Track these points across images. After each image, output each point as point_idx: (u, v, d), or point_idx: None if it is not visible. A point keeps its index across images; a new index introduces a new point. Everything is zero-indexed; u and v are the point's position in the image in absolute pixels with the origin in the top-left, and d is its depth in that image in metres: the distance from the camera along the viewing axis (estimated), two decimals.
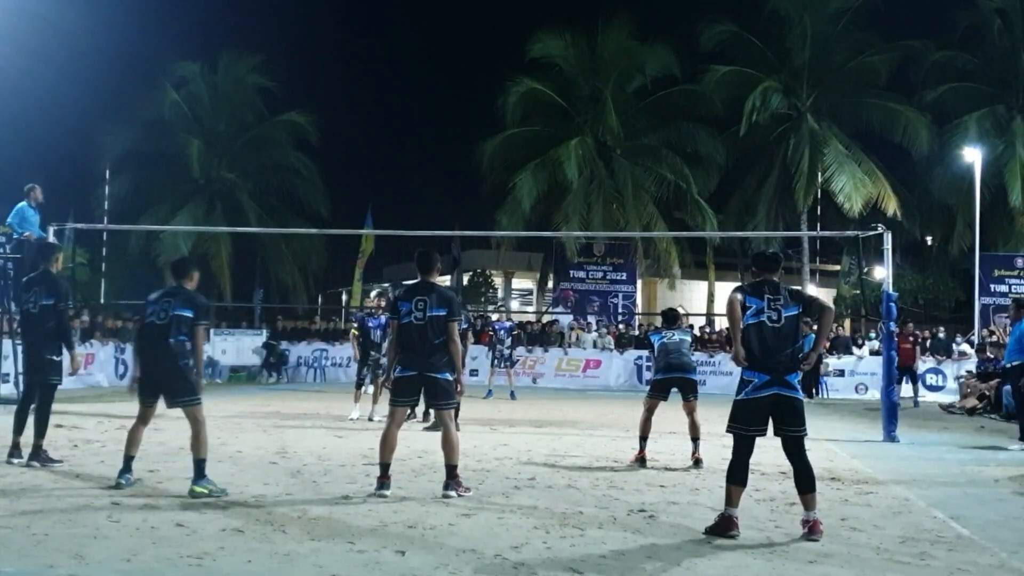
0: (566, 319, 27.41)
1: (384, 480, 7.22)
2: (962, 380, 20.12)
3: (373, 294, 29.82)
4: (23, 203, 14.72)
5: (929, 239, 33.34)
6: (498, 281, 42.22)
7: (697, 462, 9.54)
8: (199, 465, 7.19)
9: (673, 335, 9.94)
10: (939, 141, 29.55)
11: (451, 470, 7.30)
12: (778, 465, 9.42)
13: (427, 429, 11.72)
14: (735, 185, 32.32)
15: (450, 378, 7.30)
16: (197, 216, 30.87)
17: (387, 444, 7.27)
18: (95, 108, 37.73)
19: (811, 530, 6.03)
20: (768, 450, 10.97)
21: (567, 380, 23.58)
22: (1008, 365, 12.63)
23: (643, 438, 9.73)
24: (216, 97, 32.78)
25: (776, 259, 6.66)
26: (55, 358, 8.44)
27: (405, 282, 7.86)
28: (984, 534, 6.28)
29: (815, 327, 7.04)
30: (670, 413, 16.29)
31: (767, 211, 30.53)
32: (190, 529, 5.88)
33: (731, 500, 6.17)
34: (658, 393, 10.02)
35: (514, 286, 43.91)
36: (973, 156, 26.47)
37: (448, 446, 7.32)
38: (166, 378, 7.36)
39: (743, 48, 30.54)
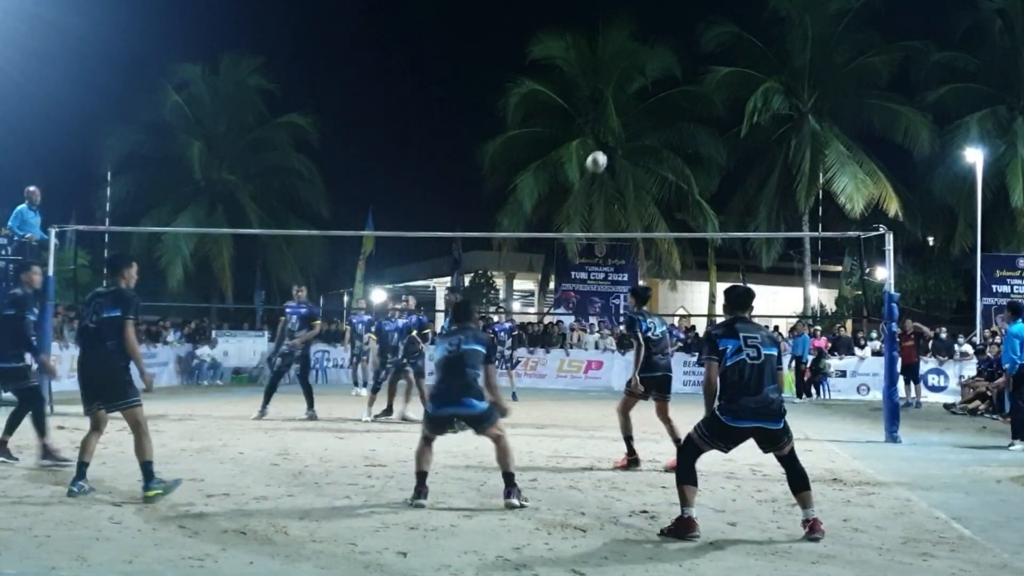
0: (568, 320, 27.41)
1: (421, 489, 7.02)
2: (964, 381, 20.14)
3: (382, 297, 29.70)
4: (22, 206, 14.75)
5: (931, 240, 33.31)
6: (499, 282, 42.19)
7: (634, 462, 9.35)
8: (146, 468, 7.01)
9: (655, 326, 9.42)
10: (940, 142, 29.51)
11: (509, 477, 7.11)
12: (778, 466, 9.42)
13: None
14: (736, 186, 32.31)
15: (486, 406, 7.19)
16: (198, 218, 30.87)
17: (423, 455, 7.19)
18: (96, 110, 37.91)
19: (812, 529, 6.04)
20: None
21: (568, 381, 23.57)
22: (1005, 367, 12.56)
23: (629, 438, 9.43)
24: (217, 99, 32.79)
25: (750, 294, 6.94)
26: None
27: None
28: (986, 535, 6.28)
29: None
30: (672, 414, 16.32)
31: (768, 212, 30.52)
32: (192, 531, 5.88)
33: (687, 501, 6.10)
34: (641, 392, 9.45)
35: (515, 287, 43.90)
36: (974, 156, 26.46)
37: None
38: (101, 382, 7.24)
39: (744, 49, 30.53)
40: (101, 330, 7.17)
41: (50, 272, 14.47)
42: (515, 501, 6.91)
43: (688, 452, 6.42)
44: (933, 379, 22.02)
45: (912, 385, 19.82)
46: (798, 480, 6.26)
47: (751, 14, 31.18)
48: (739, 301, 6.77)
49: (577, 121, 30.46)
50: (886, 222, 18.86)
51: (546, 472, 8.83)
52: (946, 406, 18.60)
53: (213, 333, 24.37)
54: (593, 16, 31.15)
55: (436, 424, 7.25)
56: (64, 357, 18.88)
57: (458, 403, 7.09)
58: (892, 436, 12.47)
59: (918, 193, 30.78)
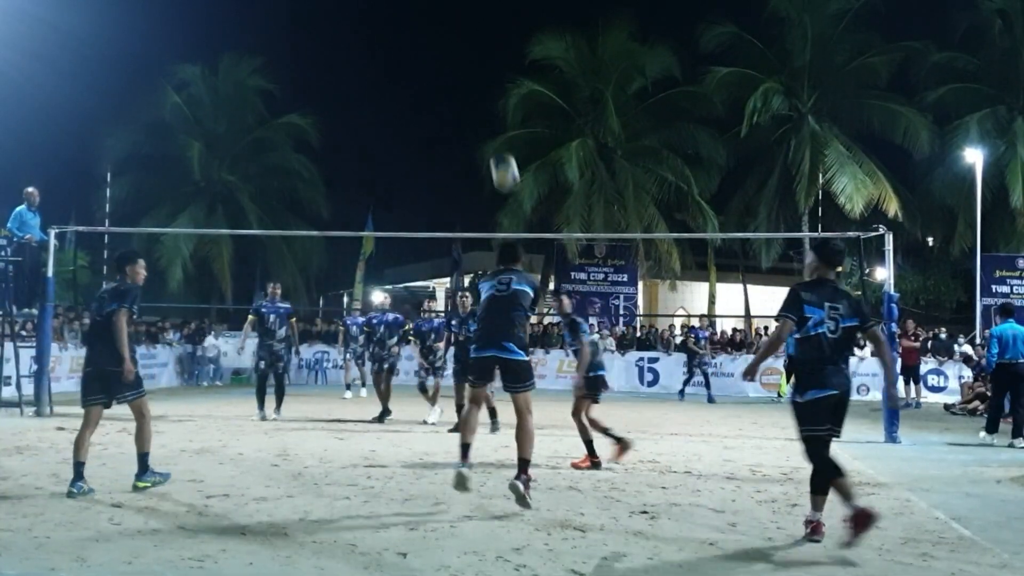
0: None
1: (465, 459, 6.88)
2: (963, 380, 20.15)
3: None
4: (21, 207, 14.75)
5: (930, 240, 33.30)
6: None
7: (596, 464, 9.15)
8: (143, 459, 7.30)
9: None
10: (940, 142, 29.51)
11: (523, 464, 6.93)
12: (779, 467, 9.44)
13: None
14: (736, 186, 32.28)
15: (527, 358, 7.06)
16: (198, 218, 30.89)
17: (468, 425, 7.04)
18: (96, 111, 37.89)
19: (814, 531, 6.02)
20: (769, 451, 11.01)
21: (568, 382, 23.46)
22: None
23: (589, 441, 9.21)
24: (217, 99, 32.81)
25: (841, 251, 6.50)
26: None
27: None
28: (986, 535, 6.28)
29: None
30: (672, 414, 16.35)
31: (768, 212, 30.51)
32: (191, 531, 5.88)
33: (848, 495, 5.76)
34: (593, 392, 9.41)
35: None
36: (974, 157, 26.45)
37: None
38: (109, 375, 7.34)
39: (744, 49, 30.53)
40: (106, 324, 7.28)
41: (49, 273, 14.49)
42: (520, 486, 6.68)
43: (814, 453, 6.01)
44: (933, 379, 22.02)
45: (912, 385, 19.83)
46: (822, 482, 6.12)
47: (751, 14, 31.25)
48: (833, 258, 6.42)
49: (577, 122, 30.46)
50: (886, 222, 18.85)
51: (546, 472, 8.82)
52: (946, 406, 18.60)
53: (212, 334, 24.31)
54: (593, 16, 31.18)
55: (478, 370, 7.02)
56: (64, 358, 18.91)
57: (499, 347, 6.87)
58: (892, 436, 12.47)
59: (918, 193, 30.78)
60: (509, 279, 7.03)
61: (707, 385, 20.35)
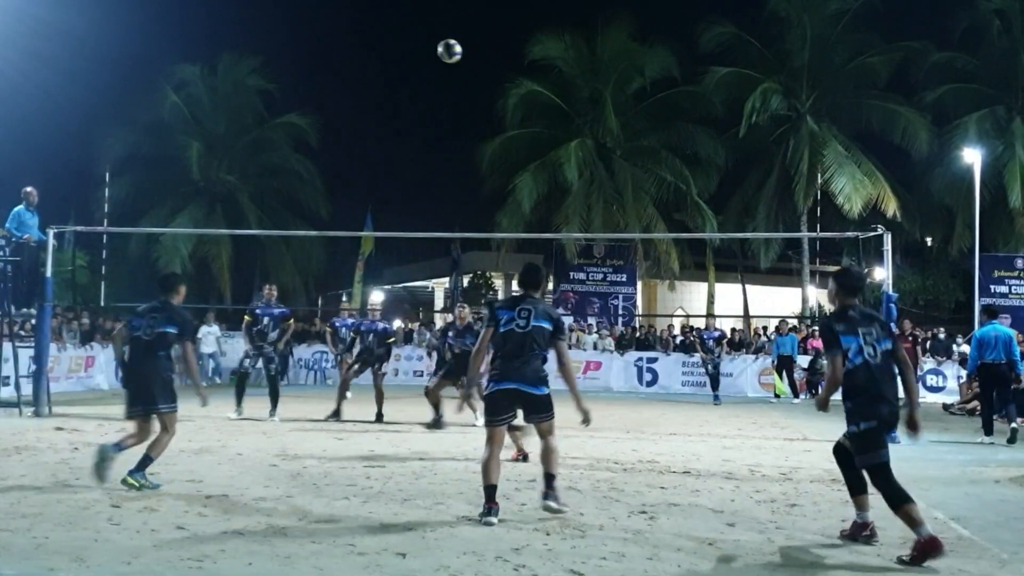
0: (567, 320, 27.40)
1: (491, 505, 6.46)
2: (962, 380, 20.16)
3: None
4: (20, 207, 14.73)
5: (929, 240, 33.30)
6: (498, 283, 42.22)
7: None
8: (145, 460, 7.56)
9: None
10: (939, 142, 29.52)
11: (551, 479, 6.77)
12: (778, 467, 9.44)
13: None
14: (735, 186, 32.29)
15: (548, 392, 6.82)
16: (197, 218, 30.85)
17: (491, 468, 6.58)
18: (95, 110, 37.84)
19: (872, 532, 6.01)
20: (768, 452, 11.01)
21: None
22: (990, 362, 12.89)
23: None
24: (216, 99, 32.77)
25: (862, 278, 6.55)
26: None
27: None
28: (984, 535, 6.28)
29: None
30: (671, 414, 16.35)
31: (767, 212, 30.50)
32: (190, 532, 5.88)
33: (916, 521, 5.62)
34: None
35: (514, 288, 43.92)
36: (973, 157, 26.44)
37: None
38: (150, 388, 7.74)
39: (743, 49, 30.52)
40: (155, 343, 7.79)
41: (48, 273, 14.48)
42: (553, 504, 6.60)
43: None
44: (931, 379, 22.03)
45: None
46: (858, 481, 6.19)
47: (750, 14, 31.24)
48: (855, 285, 6.35)
49: (576, 122, 30.45)
50: (884, 222, 18.86)
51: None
52: (944, 406, 18.61)
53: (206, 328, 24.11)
54: (592, 16, 31.18)
55: (495, 406, 6.71)
56: (62, 359, 18.88)
57: (519, 382, 6.65)
58: (890, 437, 12.45)
59: (916, 193, 30.78)
60: (529, 312, 6.71)
61: (715, 386, 19.95)
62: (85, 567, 5.05)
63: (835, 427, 14.42)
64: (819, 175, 29.35)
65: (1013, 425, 12.46)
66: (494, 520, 6.35)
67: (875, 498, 5.97)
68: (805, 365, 21.96)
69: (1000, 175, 28.78)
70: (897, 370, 6.07)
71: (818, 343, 22.73)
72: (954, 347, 22.87)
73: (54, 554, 5.27)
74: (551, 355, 6.86)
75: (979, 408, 17.15)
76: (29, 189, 14.83)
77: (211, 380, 23.03)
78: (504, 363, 6.69)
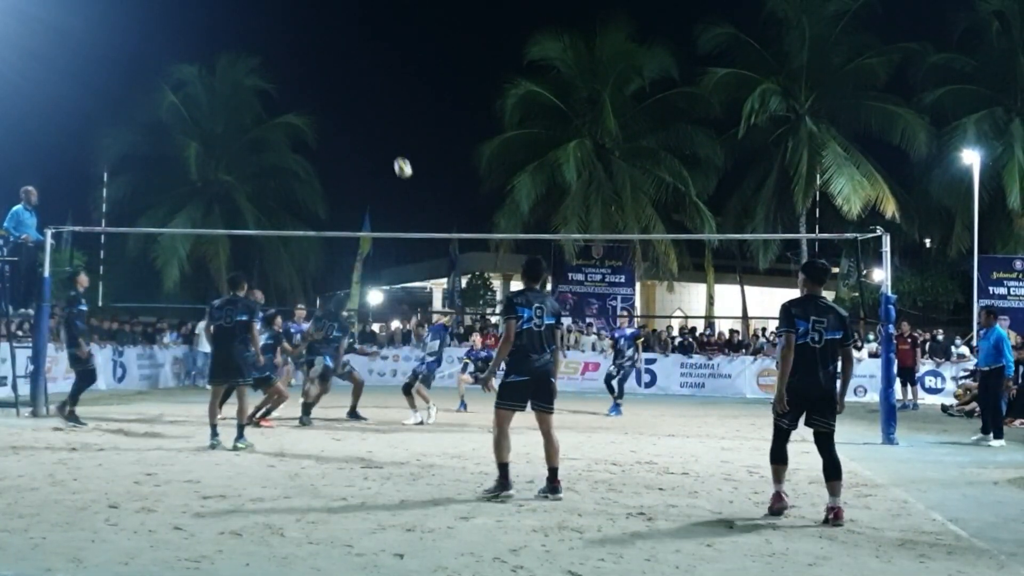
0: (566, 321, 27.41)
1: (505, 481, 7.42)
2: (960, 382, 20.15)
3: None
4: (18, 206, 14.69)
5: (928, 241, 33.32)
6: (496, 284, 42.21)
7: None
8: (240, 428, 10.13)
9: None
10: (937, 143, 29.53)
11: (555, 472, 7.53)
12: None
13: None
14: (734, 187, 32.31)
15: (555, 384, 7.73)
16: (195, 218, 30.84)
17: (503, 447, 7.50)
18: (93, 110, 37.82)
19: (836, 516, 6.61)
20: (767, 453, 10.97)
21: (565, 383, 23.52)
22: (986, 368, 12.83)
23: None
24: (214, 99, 32.76)
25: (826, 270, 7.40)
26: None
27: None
28: (983, 536, 6.28)
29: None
30: (670, 416, 16.34)
31: (766, 213, 30.51)
32: (188, 532, 5.87)
33: (778, 478, 6.95)
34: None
35: (513, 289, 43.89)
36: (971, 158, 26.46)
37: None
38: (233, 365, 10.35)
39: (741, 50, 30.53)
40: (235, 329, 10.37)
41: (46, 273, 14.46)
42: (560, 496, 7.35)
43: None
44: (930, 381, 22.03)
45: (909, 387, 19.84)
46: (833, 469, 6.92)
47: (749, 15, 31.25)
48: (820, 277, 7.17)
49: (574, 122, 30.45)
50: (883, 223, 18.85)
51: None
52: (943, 408, 18.60)
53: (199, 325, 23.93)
54: (591, 17, 31.21)
55: (520, 393, 7.44)
56: (60, 359, 18.83)
57: (541, 372, 7.43)
58: (889, 438, 12.48)
59: (915, 195, 30.80)
60: (541, 310, 7.46)
61: (619, 392, 16.77)
62: (82, 567, 5.04)
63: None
64: (818, 176, 29.35)
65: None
66: (512, 493, 7.29)
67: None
68: None
69: (999, 176, 28.80)
70: (840, 358, 7.00)
71: None
72: (952, 348, 22.87)
73: (51, 554, 5.26)
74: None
75: (977, 409, 17.22)
76: (29, 188, 14.79)
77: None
78: (521, 356, 7.38)
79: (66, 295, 13.55)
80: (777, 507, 6.87)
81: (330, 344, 14.03)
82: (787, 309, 6.92)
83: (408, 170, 13.49)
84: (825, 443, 6.96)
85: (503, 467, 7.39)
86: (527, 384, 7.41)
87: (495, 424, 7.51)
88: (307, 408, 13.59)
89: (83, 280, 13.74)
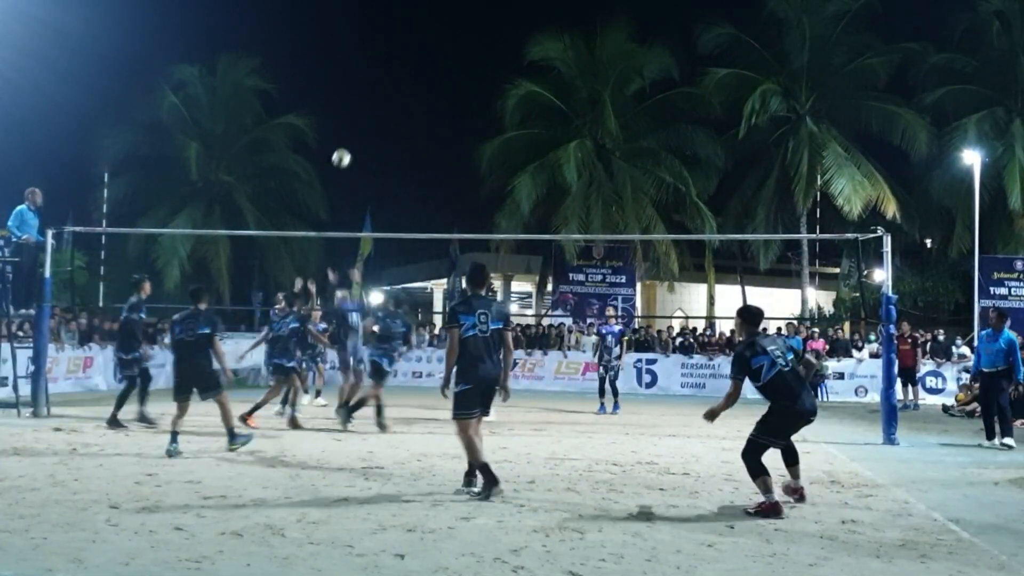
0: (566, 322, 27.42)
1: (478, 478, 7.56)
2: (961, 382, 20.14)
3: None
4: (23, 206, 14.71)
5: (928, 242, 33.30)
6: (497, 284, 42.19)
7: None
8: (230, 432, 9.99)
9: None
10: (938, 143, 29.51)
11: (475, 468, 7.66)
12: (777, 469, 9.42)
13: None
14: (734, 188, 32.28)
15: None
16: (195, 219, 30.85)
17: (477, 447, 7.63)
18: (94, 111, 37.82)
19: (801, 496, 7.41)
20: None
21: (566, 383, 23.56)
22: (991, 370, 12.64)
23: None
24: (214, 100, 32.78)
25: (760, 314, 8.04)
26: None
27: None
28: (984, 537, 6.28)
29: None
30: (670, 416, 16.33)
31: (766, 214, 30.50)
32: (188, 533, 5.87)
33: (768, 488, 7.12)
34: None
35: (513, 289, 43.90)
36: (972, 158, 26.43)
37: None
38: (196, 378, 10.03)
39: (742, 50, 30.51)
40: (198, 342, 10.03)
41: (47, 274, 14.46)
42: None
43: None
44: (931, 381, 22.02)
45: (910, 387, 19.83)
46: (793, 455, 7.73)
47: (749, 16, 31.19)
48: (754, 319, 7.89)
49: (575, 123, 30.45)
50: (884, 224, 18.83)
51: (544, 474, 8.81)
52: (944, 408, 18.59)
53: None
54: (591, 17, 31.16)
55: (470, 401, 7.50)
56: (61, 359, 18.86)
57: (492, 379, 7.56)
58: (890, 438, 12.46)
59: (916, 195, 30.77)
60: (486, 315, 7.50)
61: (613, 392, 16.71)
62: (83, 568, 5.04)
63: (835, 429, 14.45)
64: (818, 176, 29.34)
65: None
66: (502, 488, 7.39)
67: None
68: None
69: (999, 177, 28.78)
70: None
71: (818, 344, 22.77)
72: (953, 349, 22.86)
73: (52, 555, 5.26)
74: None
75: (978, 409, 17.20)
76: (34, 189, 14.82)
77: None
78: (468, 363, 7.43)
79: (128, 301, 13.70)
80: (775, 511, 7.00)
81: (392, 341, 13.16)
82: (741, 354, 7.56)
83: (347, 160, 13.27)
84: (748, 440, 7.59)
85: (483, 467, 7.47)
86: (476, 391, 7.50)
87: (459, 432, 7.58)
88: (352, 408, 13.08)
89: (146, 288, 13.90)
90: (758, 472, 7.20)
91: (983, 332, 13.71)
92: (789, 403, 7.35)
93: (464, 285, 8.00)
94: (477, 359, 7.40)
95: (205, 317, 10.28)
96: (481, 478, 7.48)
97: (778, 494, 7.15)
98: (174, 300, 30.11)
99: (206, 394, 10.02)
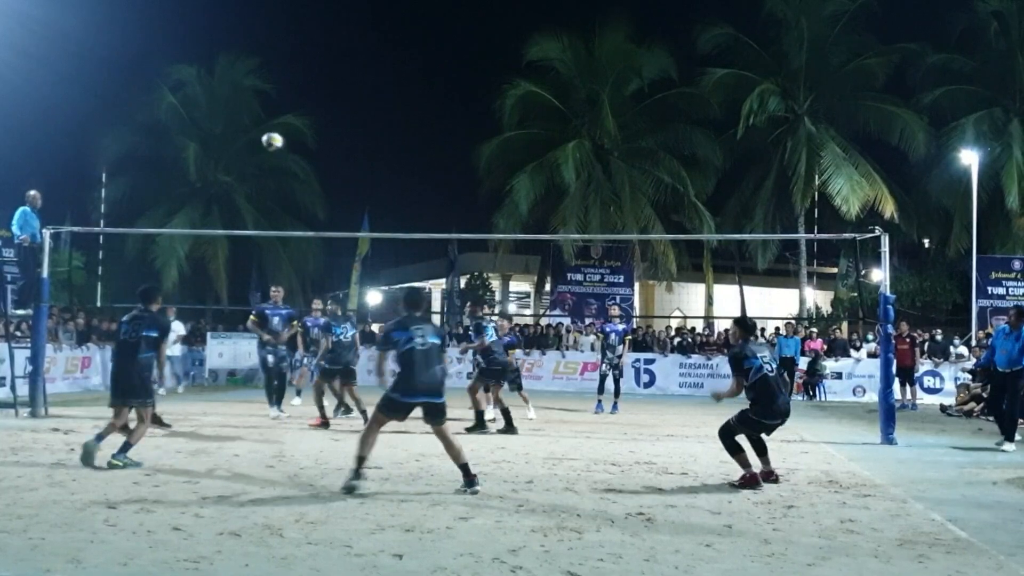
0: (564, 321, 27.43)
1: (360, 471, 7.59)
2: (960, 382, 20.14)
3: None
4: (25, 207, 14.80)
5: (926, 241, 33.36)
6: (495, 284, 42.23)
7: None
8: (127, 445, 8.75)
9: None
10: (936, 143, 29.58)
11: (466, 467, 7.73)
12: (776, 468, 9.43)
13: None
14: (732, 188, 32.33)
15: (445, 400, 7.89)
16: (194, 219, 30.83)
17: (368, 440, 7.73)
18: (92, 111, 37.74)
19: (776, 478, 8.46)
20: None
21: (565, 383, 23.57)
22: (1008, 370, 12.50)
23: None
24: (213, 100, 32.77)
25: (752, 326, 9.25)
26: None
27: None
28: (982, 536, 6.28)
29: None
30: (669, 416, 16.34)
31: (764, 214, 30.55)
32: (187, 533, 5.87)
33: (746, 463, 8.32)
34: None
35: (512, 289, 43.95)
36: (970, 159, 26.48)
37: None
38: (131, 384, 9.02)
39: (740, 51, 30.57)
40: (139, 344, 9.06)
41: (44, 274, 14.47)
42: (478, 488, 7.59)
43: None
44: (929, 381, 22.03)
45: (908, 387, 19.84)
46: (764, 447, 8.70)
47: (747, 16, 31.30)
48: (750, 329, 9.09)
49: (573, 123, 30.48)
50: (882, 224, 18.86)
51: (542, 474, 8.81)
52: (942, 408, 18.60)
53: (208, 335, 24.12)
54: (590, 17, 31.31)
55: (399, 410, 7.71)
56: (59, 359, 18.86)
57: (428, 394, 7.69)
58: (888, 438, 12.47)
59: (914, 195, 30.83)
60: (423, 331, 7.75)
61: (615, 391, 16.96)
62: (81, 568, 5.04)
63: (833, 429, 14.46)
64: (817, 176, 29.40)
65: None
66: (358, 484, 7.43)
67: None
68: (804, 366, 21.96)
69: (997, 177, 28.85)
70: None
71: (817, 344, 22.79)
72: (951, 348, 22.88)
73: (50, 555, 5.26)
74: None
75: (976, 409, 17.22)
76: (33, 193, 14.90)
77: (210, 383, 22.81)
78: (407, 375, 7.63)
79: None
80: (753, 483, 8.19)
81: (342, 347, 13.60)
82: (736, 356, 8.57)
83: (278, 143, 13.38)
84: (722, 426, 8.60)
85: (360, 460, 7.54)
86: (411, 407, 7.69)
87: (369, 421, 7.99)
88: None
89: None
90: (735, 450, 8.39)
91: (999, 328, 13.43)
92: (768, 402, 8.39)
93: (401, 307, 8.04)
94: (415, 371, 7.61)
95: (152, 319, 9.33)
96: (353, 465, 7.56)
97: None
98: (173, 300, 30.13)
99: (131, 401, 9.05)
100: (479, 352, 13.18)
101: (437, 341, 7.81)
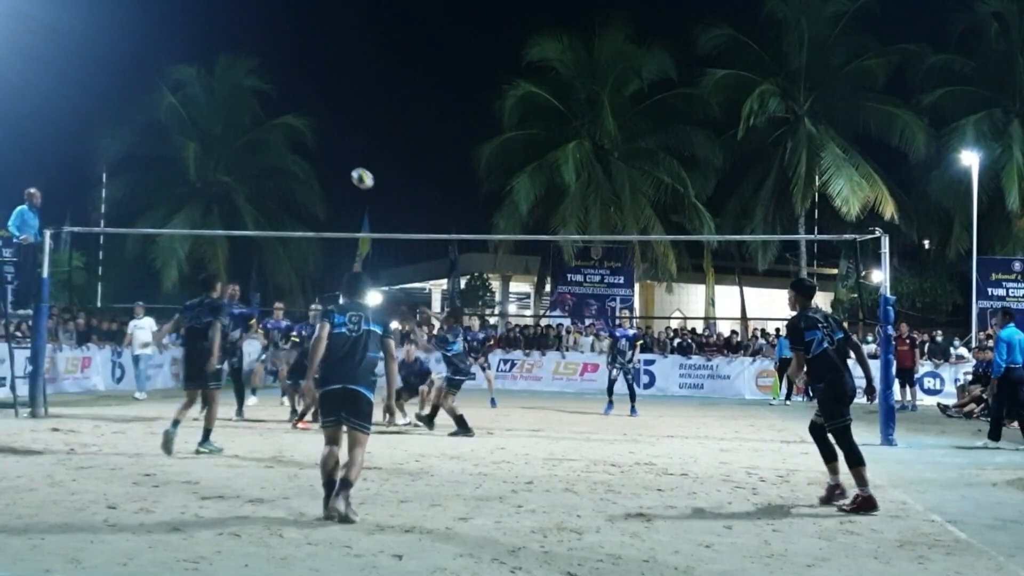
0: (564, 322, 27.42)
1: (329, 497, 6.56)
2: (960, 383, 20.14)
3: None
4: (23, 206, 14.76)
5: (926, 243, 33.35)
6: (495, 285, 42.21)
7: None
8: (207, 432, 9.73)
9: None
10: (936, 144, 29.57)
11: (347, 484, 6.53)
12: (775, 469, 9.44)
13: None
14: (732, 188, 32.31)
15: (372, 397, 6.85)
16: (194, 219, 30.84)
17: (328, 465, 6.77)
18: (92, 111, 37.73)
19: (843, 492, 7.37)
20: (765, 454, 11.00)
21: (564, 384, 23.57)
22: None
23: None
24: (213, 100, 32.78)
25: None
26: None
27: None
28: (982, 537, 6.28)
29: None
30: (669, 417, 16.34)
31: (764, 214, 30.54)
32: (186, 533, 5.86)
33: (862, 480, 7.25)
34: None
35: (511, 289, 43.90)
36: (970, 159, 26.48)
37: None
38: (201, 368, 9.78)
39: (740, 51, 30.57)
40: (206, 330, 9.76)
41: (44, 274, 14.46)
42: (343, 509, 6.37)
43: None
44: (929, 382, 22.02)
45: (907, 388, 19.83)
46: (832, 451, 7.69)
47: (747, 17, 31.27)
48: (808, 292, 8.05)
49: (573, 123, 30.48)
50: (882, 225, 18.85)
51: (542, 474, 8.81)
52: (942, 409, 18.58)
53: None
54: (590, 18, 31.31)
55: (329, 405, 6.81)
56: (59, 359, 18.85)
57: (348, 380, 6.74)
58: (888, 439, 12.46)
59: (914, 196, 30.83)
60: (358, 316, 6.91)
61: (631, 396, 17.03)
62: (81, 568, 5.03)
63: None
64: (817, 177, 29.40)
65: None
66: (340, 511, 6.32)
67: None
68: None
69: (997, 178, 28.83)
70: (853, 353, 7.96)
71: None
72: (951, 349, 22.87)
73: (50, 555, 5.25)
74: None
75: (976, 410, 17.21)
76: (32, 191, 14.86)
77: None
78: (331, 362, 6.82)
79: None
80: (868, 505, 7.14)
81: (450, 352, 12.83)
82: (795, 326, 7.69)
83: (368, 181, 11.99)
84: (829, 434, 7.67)
85: (328, 484, 6.62)
86: (336, 394, 6.72)
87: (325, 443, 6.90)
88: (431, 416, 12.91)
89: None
90: (856, 461, 7.32)
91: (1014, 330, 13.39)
92: (836, 377, 7.58)
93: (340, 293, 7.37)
94: (337, 359, 6.76)
95: (212, 305, 10.04)
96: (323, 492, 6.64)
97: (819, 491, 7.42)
98: (173, 300, 30.13)
99: (208, 384, 9.92)
100: (448, 363, 12.62)
101: (375, 328, 6.90)
